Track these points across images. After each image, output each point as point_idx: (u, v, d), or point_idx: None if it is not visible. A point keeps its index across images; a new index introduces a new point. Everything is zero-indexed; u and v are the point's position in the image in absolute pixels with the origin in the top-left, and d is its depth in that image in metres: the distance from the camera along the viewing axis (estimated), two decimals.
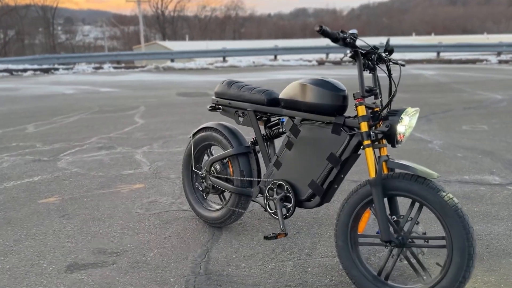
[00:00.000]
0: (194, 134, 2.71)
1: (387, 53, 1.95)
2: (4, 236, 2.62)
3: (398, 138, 1.84)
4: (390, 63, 1.94)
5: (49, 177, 3.76)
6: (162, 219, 2.83)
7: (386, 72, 1.92)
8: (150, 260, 2.31)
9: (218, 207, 2.66)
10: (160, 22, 53.58)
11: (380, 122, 1.87)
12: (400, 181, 1.79)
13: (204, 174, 2.63)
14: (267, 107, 2.32)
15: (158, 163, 4.12)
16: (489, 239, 2.45)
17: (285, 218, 2.20)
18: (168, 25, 54.29)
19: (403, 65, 1.96)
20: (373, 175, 1.83)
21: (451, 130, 5.33)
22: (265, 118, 2.42)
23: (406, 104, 7.12)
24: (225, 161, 2.56)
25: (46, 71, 17.20)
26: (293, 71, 14.94)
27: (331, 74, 12.96)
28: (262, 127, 2.44)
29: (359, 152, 2.02)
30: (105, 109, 7.51)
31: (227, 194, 2.60)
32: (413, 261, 1.87)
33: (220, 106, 2.57)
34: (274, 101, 2.30)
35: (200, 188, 2.68)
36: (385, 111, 1.89)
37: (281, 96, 2.24)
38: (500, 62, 17.87)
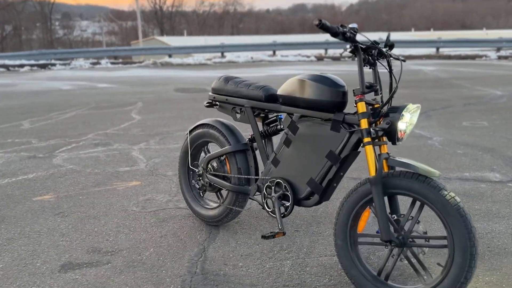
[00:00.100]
0: (190, 131, 2.66)
1: (387, 48, 1.90)
2: None
3: (399, 136, 1.80)
4: (391, 58, 1.89)
5: (44, 174, 3.71)
6: (158, 217, 2.78)
7: (387, 67, 1.88)
8: (146, 259, 2.27)
9: (215, 205, 2.62)
10: (158, 17, 53.35)
11: (381, 119, 1.83)
12: (401, 179, 1.75)
13: (201, 172, 2.59)
14: (265, 103, 2.27)
15: (155, 160, 4.08)
16: (490, 238, 2.41)
17: (283, 217, 2.16)
18: (166, 20, 54.04)
19: (404, 61, 1.92)
20: (373, 173, 1.79)
21: (451, 126, 5.29)
22: (263, 115, 2.37)
23: (406, 100, 7.09)
24: (222, 158, 2.51)
25: (43, 66, 17.10)
26: (292, 67, 14.88)
27: (330, 70, 12.90)
28: (260, 124, 2.39)
29: (358, 150, 1.98)
30: (102, 105, 7.45)
31: (224, 192, 2.55)
32: (414, 261, 1.83)
33: (217, 103, 2.52)
34: (272, 97, 2.26)
35: (197, 186, 2.64)
36: (385, 108, 1.85)
37: (279, 92, 2.19)
38: (499, 57, 17.82)
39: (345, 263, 1.91)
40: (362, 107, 1.83)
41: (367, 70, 1.88)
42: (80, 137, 5.04)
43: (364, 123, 1.82)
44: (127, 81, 11.44)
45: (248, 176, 2.39)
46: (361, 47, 1.83)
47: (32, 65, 17.10)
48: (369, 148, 1.81)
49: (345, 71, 12.35)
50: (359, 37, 1.88)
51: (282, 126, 2.25)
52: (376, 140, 1.84)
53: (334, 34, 1.77)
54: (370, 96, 1.89)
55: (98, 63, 18.36)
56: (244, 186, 2.39)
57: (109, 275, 2.12)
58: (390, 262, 1.85)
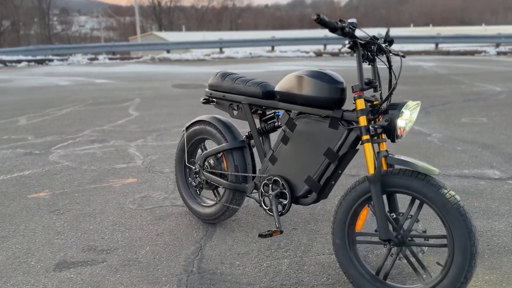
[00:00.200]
0: (187, 128, 2.63)
1: (387, 44, 1.87)
2: None
3: (398, 133, 1.77)
4: (390, 54, 1.86)
5: (40, 171, 3.67)
6: (155, 215, 2.75)
7: (386, 63, 1.84)
8: (142, 258, 2.24)
9: (212, 203, 2.59)
10: (157, 12, 53.11)
11: (380, 116, 1.80)
12: (400, 177, 1.72)
13: (197, 169, 2.55)
14: (262, 100, 2.23)
15: (152, 156, 4.04)
16: (490, 236, 2.39)
17: (280, 215, 2.13)
18: (164, 16, 53.81)
19: (404, 57, 1.88)
20: (371, 171, 1.76)
21: (450, 122, 5.26)
22: (260, 112, 2.34)
23: (405, 96, 7.06)
24: (219, 155, 2.48)
25: (41, 62, 17.01)
26: (290, 63, 14.82)
27: (329, 66, 12.85)
28: (257, 121, 2.36)
29: (357, 147, 1.95)
30: (99, 101, 7.40)
31: (221, 190, 2.52)
32: (413, 260, 1.80)
33: (214, 99, 2.49)
34: (269, 94, 2.22)
35: (194, 184, 2.61)
36: (385, 105, 1.82)
37: (276, 88, 2.16)
38: (498, 53, 17.79)
39: (343, 262, 1.89)
40: (361, 104, 1.80)
41: (366, 66, 1.84)
42: (76, 134, 5.00)
43: (362, 120, 1.79)
44: (124, 77, 11.38)
45: (245, 174, 2.36)
46: (360, 43, 1.79)
47: (29, 61, 16.99)
48: (368, 145, 1.78)
49: (344, 67, 12.31)
50: (358, 33, 1.84)
51: (279, 123, 2.22)
52: (375, 138, 1.81)
53: (332, 29, 1.73)
54: (369, 93, 1.86)
55: (96, 58, 18.26)
56: (241, 183, 2.36)
57: (104, 274, 2.09)
58: (388, 261, 1.83)
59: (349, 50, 1.81)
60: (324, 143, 1.96)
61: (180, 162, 2.71)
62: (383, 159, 1.78)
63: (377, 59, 1.86)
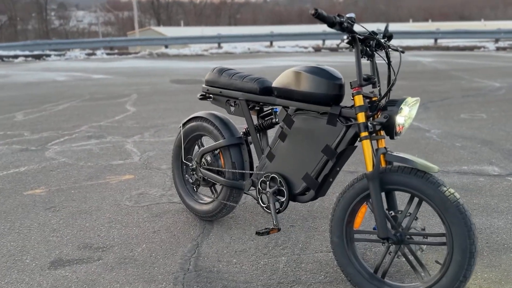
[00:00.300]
0: (184, 124, 2.60)
1: (386, 39, 1.84)
2: None
3: (397, 130, 1.74)
4: (389, 49, 1.83)
5: (36, 167, 3.64)
6: (152, 212, 2.73)
7: (385, 59, 1.81)
8: (138, 255, 2.22)
9: (209, 200, 2.56)
10: (155, 7, 52.85)
11: (378, 113, 1.77)
12: (399, 175, 1.70)
13: (194, 166, 2.53)
14: (259, 96, 2.20)
15: (149, 153, 4.01)
16: (489, 233, 2.37)
17: (278, 213, 2.11)
18: (163, 11, 53.56)
19: (403, 52, 1.86)
20: (370, 168, 1.73)
21: (449, 118, 5.24)
22: (258, 108, 2.31)
23: (404, 92, 7.03)
24: (216, 152, 2.45)
25: (38, 57, 16.92)
26: (289, 58, 14.77)
27: (328, 61, 12.80)
28: (254, 117, 2.33)
29: (355, 144, 1.92)
30: (97, 97, 7.36)
31: (218, 187, 2.50)
32: (411, 258, 1.78)
33: (210, 95, 2.46)
34: (267, 90, 2.19)
35: (191, 180, 2.58)
36: (383, 101, 1.79)
37: (274, 84, 2.13)
38: (498, 49, 17.75)
39: (341, 260, 1.87)
40: (359, 100, 1.77)
41: (364, 61, 1.82)
42: (73, 130, 4.96)
43: (361, 117, 1.76)
44: (122, 72, 11.32)
45: (243, 171, 2.33)
46: (358, 38, 1.76)
47: (26, 56, 16.90)
48: (366, 142, 1.75)
49: (343, 62, 12.26)
50: (357, 28, 1.81)
51: (277, 120, 2.19)
52: (374, 135, 1.78)
53: (330, 24, 1.70)
54: (368, 89, 1.83)
55: (93, 53, 18.17)
56: (238, 181, 2.33)
57: (100, 272, 2.07)
58: (387, 259, 1.81)
59: (348, 45, 1.78)
60: (322, 140, 1.93)
61: (177, 158, 2.68)
62: (381, 156, 1.75)
63: (376, 55, 1.84)
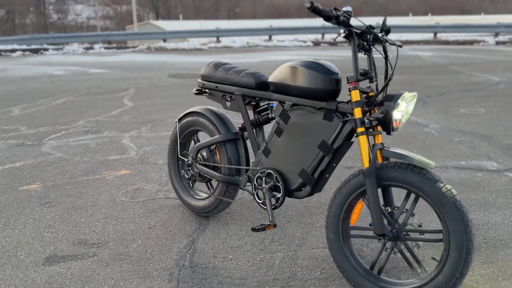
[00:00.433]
0: (180, 119, 2.57)
1: (383, 33, 1.81)
2: None
3: (394, 125, 1.72)
4: (387, 44, 1.80)
5: (32, 162, 3.62)
6: (147, 208, 2.71)
7: (382, 53, 1.79)
8: (133, 251, 2.20)
9: (205, 195, 2.54)
10: (154, 1, 52.54)
11: (375, 108, 1.75)
12: (395, 171, 1.68)
13: (190, 161, 2.51)
14: (255, 91, 2.18)
15: (146, 148, 3.99)
16: (486, 229, 2.36)
17: (274, 209, 2.09)
18: (161, 4, 53.25)
19: (400, 46, 1.83)
20: (366, 164, 1.71)
21: (448, 113, 5.22)
22: (254, 103, 2.28)
23: (402, 86, 7.00)
24: (212, 148, 2.43)
25: (36, 51, 16.84)
26: (288, 52, 14.71)
27: (327, 55, 12.75)
28: (250, 112, 2.30)
29: (352, 140, 1.90)
30: (94, 91, 7.32)
31: (214, 183, 2.48)
32: (408, 255, 1.77)
33: (206, 90, 2.43)
34: (263, 85, 2.17)
35: (187, 176, 2.56)
36: (380, 96, 1.77)
37: (270, 79, 2.10)
38: (497, 43, 17.69)
39: (337, 257, 1.85)
40: (356, 96, 1.74)
41: (362, 56, 1.79)
42: (70, 124, 4.94)
43: (357, 112, 1.74)
44: (120, 67, 11.27)
45: (239, 167, 2.31)
46: (355, 32, 1.73)
47: (24, 50, 16.82)
48: (363, 138, 1.73)
49: (342, 56, 12.21)
50: (354, 22, 1.78)
51: (273, 115, 2.17)
52: (370, 130, 1.76)
53: (327, 18, 1.67)
54: (365, 84, 1.81)
55: (91, 48, 18.09)
56: (234, 176, 2.31)
57: (95, 268, 2.06)
58: (383, 255, 1.79)
59: (344, 39, 1.75)
60: (318, 135, 1.91)
61: (173, 154, 2.66)
62: (378, 152, 1.73)
63: (373, 49, 1.81)
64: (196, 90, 2.49)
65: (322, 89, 1.88)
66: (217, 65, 2.37)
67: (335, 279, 1.93)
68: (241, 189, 2.34)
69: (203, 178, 2.48)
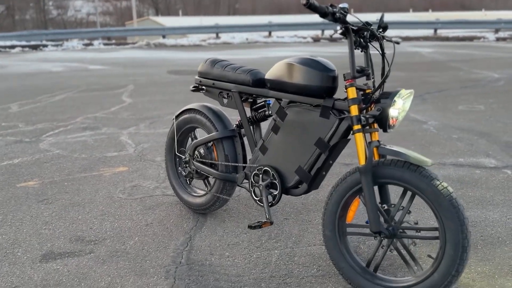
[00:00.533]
0: (177, 116, 2.57)
1: (380, 30, 1.80)
2: None
3: (391, 123, 1.72)
4: (384, 40, 1.79)
5: (30, 159, 3.62)
6: (145, 205, 2.71)
7: (379, 50, 1.78)
8: (130, 248, 2.20)
9: (202, 192, 2.54)
10: None
11: (372, 105, 1.74)
12: (392, 168, 1.68)
13: (187, 159, 2.50)
14: (252, 88, 2.17)
15: (144, 144, 3.98)
16: (483, 226, 2.36)
17: (271, 206, 2.09)
18: (161, 0, 53.08)
19: (398, 43, 1.82)
20: (363, 162, 1.71)
21: (446, 110, 5.21)
22: (251, 100, 2.28)
23: (401, 83, 6.99)
24: (209, 145, 2.43)
25: (35, 47, 16.80)
26: (287, 48, 14.67)
27: (326, 51, 12.72)
28: (247, 110, 2.30)
29: (349, 137, 1.90)
30: (93, 88, 7.30)
31: (211, 180, 2.47)
32: (404, 252, 1.77)
33: (203, 87, 2.42)
34: (260, 82, 2.16)
35: (184, 173, 2.56)
36: (377, 93, 1.76)
37: (267, 76, 2.09)
38: (498, 39, 17.64)
39: (334, 254, 1.85)
40: (352, 93, 1.74)
41: (358, 53, 1.78)
42: (68, 121, 4.93)
43: (354, 110, 1.73)
44: (119, 63, 11.24)
45: (236, 164, 2.31)
46: (352, 29, 1.73)
47: (23, 46, 16.78)
48: (359, 135, 1.73)
49: (342, 52, 12.18)
50: (351, 18, 1.77)
51: (270, 112, 2.16)
52: (367, 128, 1.75)
53: (323, 14, 1.67)
54: (361, 81, 1.80)
55: (91, 44, 18.05)
56: (231, 173, 2.31)
57: (91, 265, 2.06)
58: (379, 253, 1.79)
59: (341, 36, 1.74)
60: (315, 132, 1.91)
61: (170, 151, 2.65)
62: (374, 149, 1.73)
63: (370, 46, 1.80)
64: (193, 87, 2.48)
65: (319, 86, 1.87)
66: (214, 62, 2.37)
67: (332, 276, 1.93)
68: (238, 186, 2.34)
69: (200, 175, 2.48)
